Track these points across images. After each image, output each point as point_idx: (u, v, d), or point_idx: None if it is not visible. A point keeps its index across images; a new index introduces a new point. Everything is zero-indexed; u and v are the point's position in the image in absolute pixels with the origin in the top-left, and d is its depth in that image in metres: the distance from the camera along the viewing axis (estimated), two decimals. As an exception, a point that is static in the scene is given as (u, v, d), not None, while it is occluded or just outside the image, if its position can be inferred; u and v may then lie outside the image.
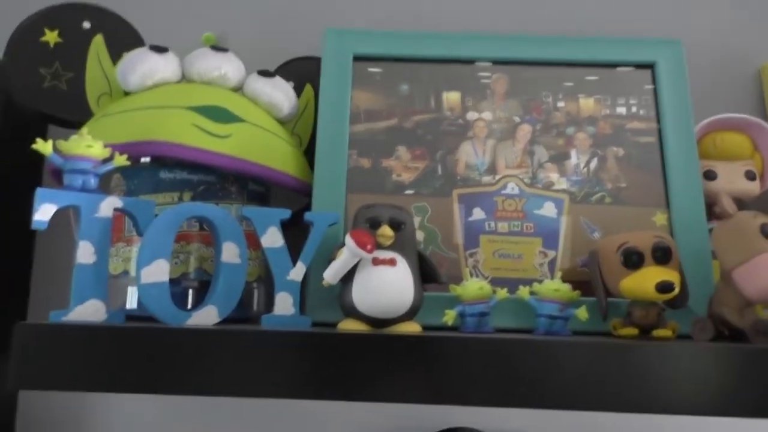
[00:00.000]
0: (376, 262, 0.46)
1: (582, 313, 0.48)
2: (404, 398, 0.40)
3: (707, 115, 0.65)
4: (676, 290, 0.46)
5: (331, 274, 0.46)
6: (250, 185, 0.57)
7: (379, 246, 0.46)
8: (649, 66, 0.62)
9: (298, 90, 0.67)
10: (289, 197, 0.61)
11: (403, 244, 0.48)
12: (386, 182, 0.59)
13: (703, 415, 0.38)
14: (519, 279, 0.55)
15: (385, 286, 0.46)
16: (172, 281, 0.53)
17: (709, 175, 0.63)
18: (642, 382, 0.38)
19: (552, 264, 0.56)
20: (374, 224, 0.47)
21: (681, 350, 0.39)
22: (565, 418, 0.68)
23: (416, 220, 0.57)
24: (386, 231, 0.47)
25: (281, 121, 0.61)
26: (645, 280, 0.46)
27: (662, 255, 0.47)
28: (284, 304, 0.48)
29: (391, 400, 0.40)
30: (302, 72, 0.69)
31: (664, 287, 0.45)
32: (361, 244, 0.44)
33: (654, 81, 0.62)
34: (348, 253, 0.45)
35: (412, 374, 0.39)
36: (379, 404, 0.69)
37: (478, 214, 0.57)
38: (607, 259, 0.49)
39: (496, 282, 0.54)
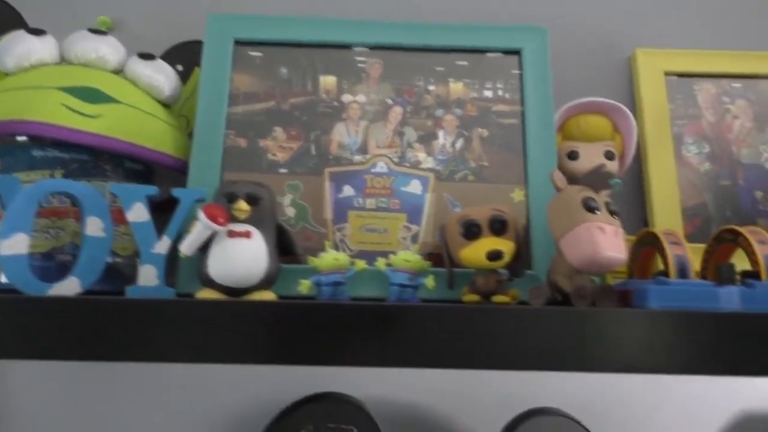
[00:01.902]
0: (232, 234, 0.49)
1: (429, 281, 0.52)
2: (257, 359, 0.42)
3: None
4: (506, 258, 0.50)
5: (186, 246, 0.49)
6: (126, 164, 0.59)
7: (235, 219, 0.49)
8: (516, 52, 0.66)
9: (188, 73, 0.70)
10: (175, 177, 0.63)
11: (260, 218, 0.51)
12: (262, 161, 0.61)
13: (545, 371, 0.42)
14: (383, 252, 0.58)
15: (238, 257, 0.49)
16: (46, 255, 0.55)
17: (572, 155, 0.67)
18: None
19: (415, 238, 0.60)
20: (231, 198, 0.50)
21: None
22: (434, 380, 0.72)
23: (288, 198, 0.60)
24: (242, 205, 0.50)
25: (164, 103, 0.63)
26: (479, 250, 0.50)
27: (500, 226, 0.51)
28: (149, 275, 0.51)
29: (244, 362, 0.42)
30: (192, 56, 0.71)
31: (493, 255, 0.49)
32: (211, 217, 0.47)
33: (520, 67, 0.66)
34: (200, 226, 0.48)
35: (264, 337, 0.42)
36: (244, 369, 0.71)
37: (347, 191, 0.61)
38: (451, 231, 0.53)
39: (362, 255, 0.57)
